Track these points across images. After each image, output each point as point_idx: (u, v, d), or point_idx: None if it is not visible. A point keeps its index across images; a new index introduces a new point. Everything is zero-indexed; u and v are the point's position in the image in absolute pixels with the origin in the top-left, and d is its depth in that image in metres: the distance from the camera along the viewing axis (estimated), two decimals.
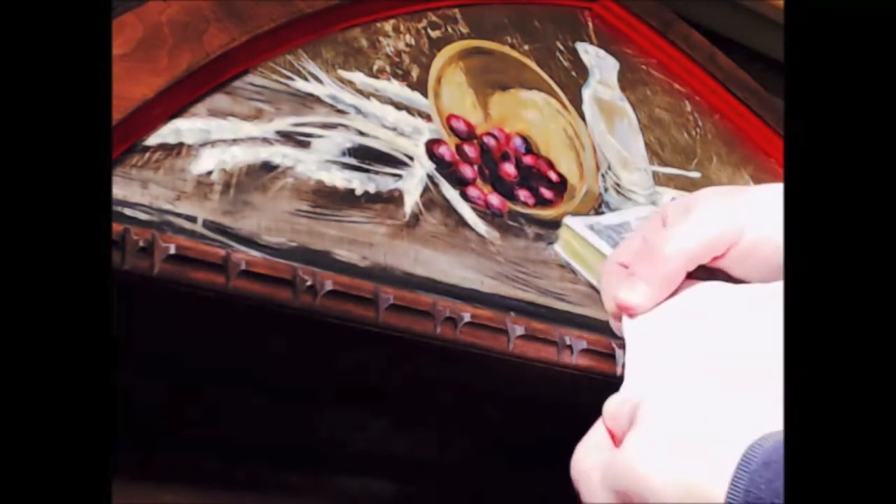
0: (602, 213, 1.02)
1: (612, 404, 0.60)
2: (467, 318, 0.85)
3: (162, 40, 0.80)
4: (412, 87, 0.96)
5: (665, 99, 1.17)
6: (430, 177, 0.92)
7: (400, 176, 0.90)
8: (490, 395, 0.94)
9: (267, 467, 0.97)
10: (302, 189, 0.84)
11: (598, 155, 1.06)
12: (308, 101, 0.88)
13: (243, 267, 0.76)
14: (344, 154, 0.88)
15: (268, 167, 0.83)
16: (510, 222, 0.95)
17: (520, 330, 0.87)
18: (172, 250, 0.73)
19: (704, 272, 0.65)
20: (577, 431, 0.63)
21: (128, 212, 0.76)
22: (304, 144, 0.86)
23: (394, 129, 0.92)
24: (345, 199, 0.86)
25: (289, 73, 0.88)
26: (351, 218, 0.86)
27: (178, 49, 0.81)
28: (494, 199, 0.95)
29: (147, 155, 0.79)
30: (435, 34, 1.01)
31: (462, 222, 0.92)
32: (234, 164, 0.82)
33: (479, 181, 0.95)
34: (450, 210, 0.92)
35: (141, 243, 0.72)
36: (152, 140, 0.79)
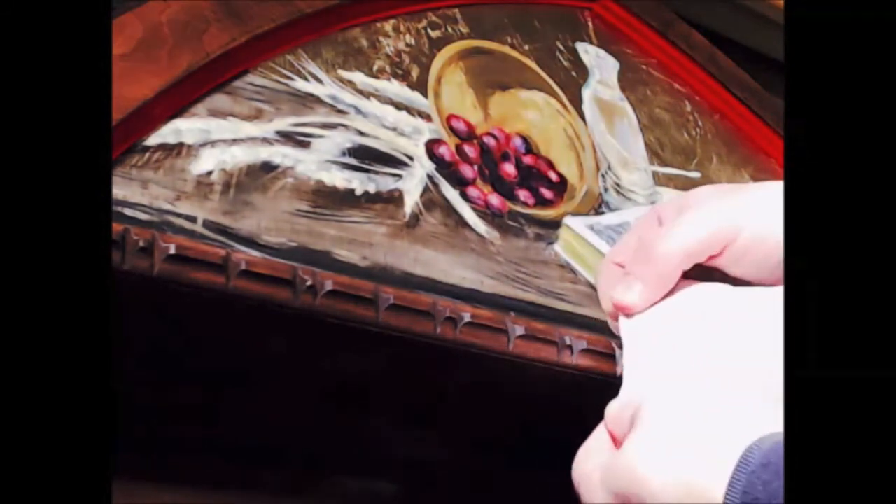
0: (602, 213, 1.02)
1: (613, 408, 0.60)
2: (467, 318, 0.85)
3: (162, 40, 0.80)
4: (412, 87, 0.96)
5: (665, 99, 1.17)
6: (430, 177, 0.92)
7: (400, 176, 0.90)
8: (490, 395, 0.94)
9: (267, 467, 0.97)
10: (302, 189, 0.84)
11: (598, 155, 1.06)
12: (308, 101, 0.88)
13: (243, 267, 0.76)
14: (344, 154, 0.88)
15: (268, 167, 0.83)
16: (510, 222, 0.95)
17: (520, 330, 0.87)
18: (172, 250, 0.73)
19: (700, 271, 0.65)
20: (578, 431, 0.63)
21: (128, 212, 0.76)
22: (304, 144, 0.86)
23: (394, 129, 0.92)
24: (345, 199, 0.86)
25: (289, 73, 0.88)
26: (351, 218, 0.86)
27: (178, 49, 0.81)
28: (494, 199, 0.95)
29: (147, 155, 0.79)
30: (435, 34, 1.01)
31: (462, 222, 0.92)
32: (234, 164, 0.82)
33: (479, 181, 0.95)
34: (450, 210, 0.92)
35: (141, 243, 0.72)
36: (152, 140, 0.79)
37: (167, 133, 0.80)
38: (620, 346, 0.66)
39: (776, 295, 0.62)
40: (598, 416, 0.62)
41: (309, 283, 0.78)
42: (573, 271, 0.96)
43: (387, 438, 1.00)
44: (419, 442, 1.01)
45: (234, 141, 0.83)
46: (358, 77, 0.92)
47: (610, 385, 0.65)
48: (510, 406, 0.95)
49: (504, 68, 1.04)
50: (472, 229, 0.92)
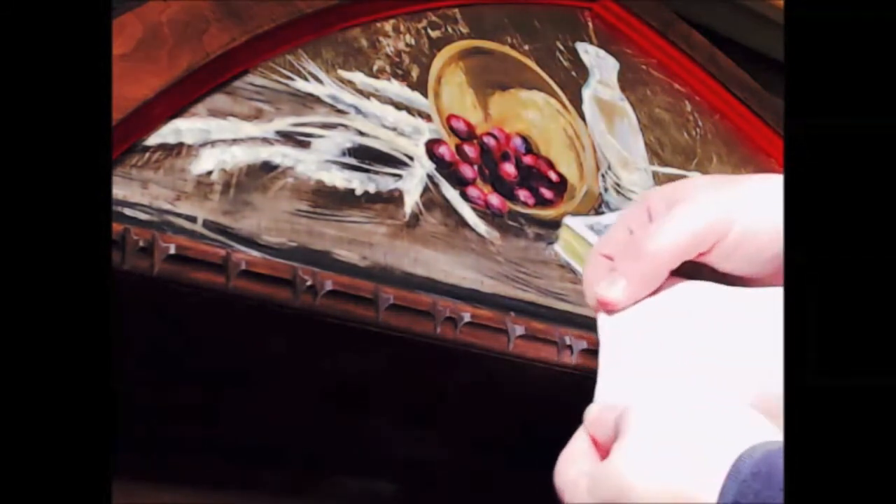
0: (602, 213, 1.02)
1: (593, 411, 0.59)
2: (467, 318, 0.85)
3: (162, 40, 0.80)
4: (412, 87, 0.96)
5: (665, 99, 1.17)
6: (430, 177, 0.92)
7: (400, 176, 0.90)
8: (490, 395, 0.94)
9: (267, 467, 0.97)
10: (302, 189, 0.84)
11: (598, 155, 1.06)
12: (308, 101, 0.88)
13: (243, 267, 0.76)
14: (344, 154, 0.88)
15: (268, 167, 0.83)
16: (510, 222, 0.95)
17: (520, 330, 0.87)
18: (172, 250, 0.73)
19: (689, 267, 0.64)
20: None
21: (128, 212, 0.76)
22: (304, 144, 0.86)
23: (394, 129, 0.92)
24: (345, 199, 0.86)
25: (289, 73, 0.88)
26: (351, 218, 0.86)
27: (178, 49, 0.81)
28: (494, 199, 0.95)
29: (147, 155, 0.78)
30: (435, 34, 1.01)
31: (462, 222, 0.92)
32: (234, 164, 0.82)
33: (479, 181, 0.95)
34: (450, 210, 0.92)
35: (141, 243, 0.72)
36: (152, 140, 0.79)
37: (167, 133, 0.80)
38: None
39: (764, 295, 0.61)
40: None
41: (309, 283, 0.78)
42: (573, 271, 0.96)
43: (387, 438, 1.00)
44: (419, 442, 1.01)
45: (234, 141, 0.83)
46: (358, 77, 0.92)
47: None
48: (510, 406, 0.95)
49: (504, 68, 1.04)
50: (472, 229, 0.92)
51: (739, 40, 1.48)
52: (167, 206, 0.77)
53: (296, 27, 0.89)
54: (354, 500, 1.02)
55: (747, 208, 0.62)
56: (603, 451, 0.58)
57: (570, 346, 0.88)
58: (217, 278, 0.75)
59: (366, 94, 0.92)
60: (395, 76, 0.95)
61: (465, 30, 1.03)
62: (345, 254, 0.84)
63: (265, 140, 0.84)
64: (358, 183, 0.87)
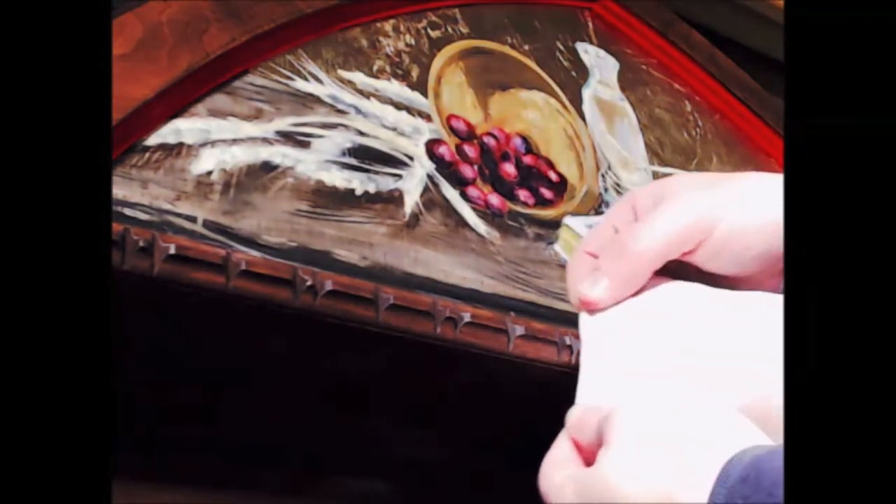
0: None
1: (574, 415, 0.59)
2: (467, 318, 0.85)
3: (162, 40, 0.80)
4: (412, 87, 0.96)
5: (665, 99, 1.17)
6: (430, 177, 0.92)
7: (400, 176, 0.90)
8: (490, 395, 0.94)
9: (267, 467, 0.97)
10: (302, 189, 0.84)
11: (598, 155, 1.06)
12: (308, 101, 0.88)
13: (243, 267, 0.76)
14: (344, 154, 0.88)
15: (268, 167, 0.83)
16: (510, 222, 0.95)
17: (520, 330, 0.87)
18: (172, 250, 0.73)
19: (676, 265, 0.64)
20: None
21: (128, 212, 0.76)
22: (304, 144, 0.86)
23: (394, 129, 0.92)
24: (345, 199, 0.86)
25: (289, 73, 0.88)
26: (351, 218, 0.86)
27: (178, 49, 0.81)
28: (494, 199, 0.95)
29: (147, 155, 0.79)
30: (435, 34, 1.01)
31: (462, 222, 0.92)
32: (234, 164, 0.82)
33: (479, 181, 0.95)
34: (450, 210, 0.92)
35: (141, 243, 0.72)
36: (152, 140, 0.79)
37: (167, 133, 0.80)
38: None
39: (750, 297, 0.61)
40: None
41: (309, 283, 0.78)
42: None
43: (387, 438, 1.00)
44: (419, 442, 1.01)
45: (234, 141, 0.83)
46: (358, 77, 0.92)
47: None
48: (510, 406, 0.95)
49: (504, 68, 1.04)
50: (472, 229, 0.92)
51: (739, 40, 1.48)
52: (167, 206, 0.77)
53: (296, 27, 0.89)
54: (354, 500, 1.02)
55: (732, 206, 0.61)
56: (586, 453, 0.57)
57: (569, 346, 0.88)
58: (217, 278, 0.75)
59: (366, 94, 0.92)
60: (395, 76, 0.95)
61: (465, 30, 1.03)
62: (345, 254, 0.84)
63: (265, 140, 0.84)
64: (358, 183, 0.87)
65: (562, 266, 0.96)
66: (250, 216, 0.81)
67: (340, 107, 0.90)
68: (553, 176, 1.01)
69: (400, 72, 0.96)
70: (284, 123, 0.86)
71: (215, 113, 0.83)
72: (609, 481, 0.54)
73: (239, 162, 0.82)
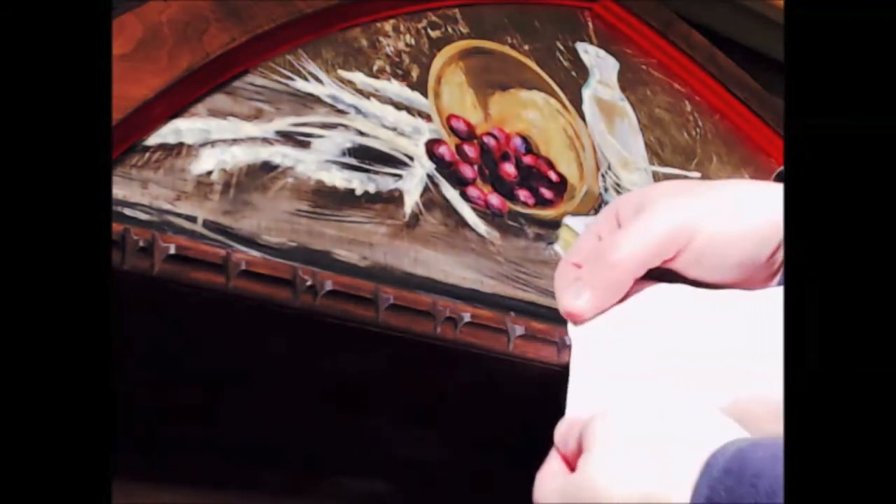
0: None
1: (561, 428, 0.59)
2: (467, 318, 0.85)
3: (162, 40, 0.80)
4: (412, 87, 0.96)
5: (665, 99, 1.17)
6: (430, 177, 0.92)
7: (400, 176, 0.90)
8: (490, 395, 0.94)
9: (267, 467, 0.97)
10: (302, 189, 0.84)
11: (598, 155, 1.06)
12: (308, 101, 0.88)
13: (243, 267, 0.76)
14: (344, 154, 0.88)
15: (268, 167, 0.83)
16: (510, 222, 0.95)
17: (520, 330, 0.87)
18: (172, 250, 0.73)
19: (662, 270, 0.64)
20: None
21: (128, 212, 0.76)
22: (304, 144, 0.86)
23: (394, 129, 0.92)
24: (345, 199, 0.86)
25: (289, 73, 0.88)
26: (351, 218, 0.86)
27: (178, 49, 0.81)
28: (494, 199, 0.95)
29: (147, 155, 0.79)
30: (435, 34, 1.01)
31: (462, 222, 0.92)
32: (234, 164, 0.82)
33: (479, 181, 0.95)
34: (450, 210, 0.92)
35: (141, 243, 0.72)
36: (152, 140, 0.79)
37: (167, 133, 0.80)
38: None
39: (734, 296, 0.61)
40: None
41: (309, 283, 0.78)
42: None
43: (387, 438, 1.00)
44: (419, 442, 1.01)
45: (234, 141, 0.83)
46: (358, 77, 0.92)
47: None
48: (510, 406, 0.95)
49: (504, 68, 1.04)
50: (472, 229, 0.92)
51: (739, 40, 1.48)
52: (167, 206, 0.77)
53: (296, 27, 0.89)
54: (354, 500, 1.02)
55: (713, 215, 0.61)
56: (572, 465, 0.57)
57: (569, 346, 0.88)
58: (217, 278, 0.75)
59: (366, 94, 0.92)
60: (395, 76, 0.95)
61: (465, 30, 1.03)
62: (345, 254, 0.84)
63: (265, 140, 0.84)
64: (358, 183, 0.87)
65: None
66: (250, 216, 0.81)
67: (340, 107, 0.90)
68: (553, 176, 1.01)
69: (400, 72, 0.96)
70: (284, 123, 0.86)
71: (215, 113, 0.83)
72: (590, 484, 0.54)
73: (239, 162, 0.82)
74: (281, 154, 0.84)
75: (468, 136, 0.97)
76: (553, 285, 0.65)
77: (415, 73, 0.97)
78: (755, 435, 0.53)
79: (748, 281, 0.62)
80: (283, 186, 0.83)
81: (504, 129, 1.00)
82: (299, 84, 0.89)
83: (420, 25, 1.00)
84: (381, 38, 0.96)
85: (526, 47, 1.07)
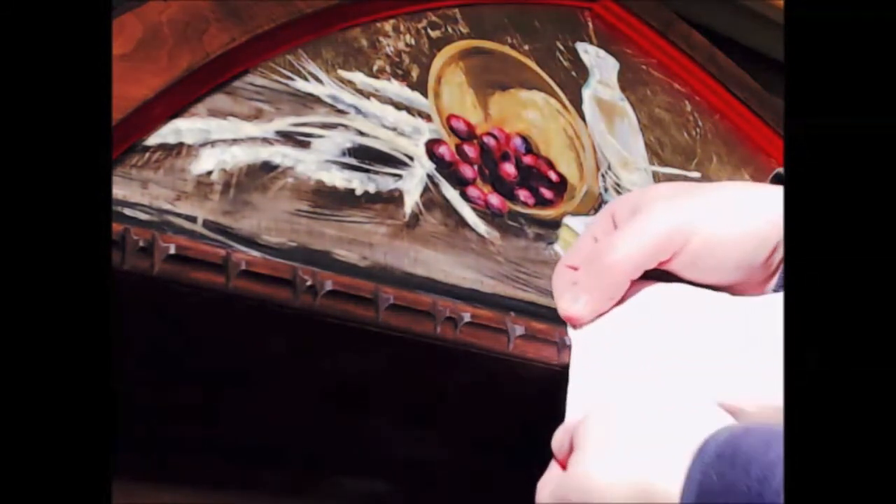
0: None
1: (556, 434, 0.59)
2: (467, 318, 0.85)
3: (162, 40, 0.80)
4: (412, 87, 0.96)
5: (665, 99, 1.17)
6: (430, 177, 0.92)
7: (400, 176, 0.90)
8: (490, 395, 0.94)
9: (267, 467, 0.97)
10: (302, 189, 0.84)
11: (598, 155, 1.06)
12: (308, 101, 0.88)
13: (243, 267, 0.76)
14: (344, 154, 0.88)
15: (268, 167, 0.83)
16: (510, 222, 0.95)
17: (520, 330, 0.87)
18: (172, 250, 0.73)
19: (657, 272, 0.63)
20: None
21: (128, 212, 0.76)
22: (304, 144, 0.86)
23: (394, 129, 0.92)
24: (345, 199, 0.86)
25: (289, 73, 0.88)
26: (351, 218, 0.86)
27: (178, 49, 0.81)
28: (494, 199, 0.95)
29: (147, 155, 0.79)
30: (435, 34, 1.00)
31: (462, 222, 0.92)
32: (234, 164, 0.82)
33: (479, 181, 0.95)
34: (450, 210, 0.92)
35: (141, 243, 0.72)
36: (152, 140, 0.79)
37: (167, 133, 0.80)
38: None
39: (725, 297, 0.61)
40: None
41: (309, 283, 0.78)
42: None
43: (387, 438, 1.00)
44: (419, 442, 1.01)
45: (234, 141, 0.83)
46: (358, 77, 0.92)
47: None
48: (510, 406, 0.95)
49: (504, 68, 1.04)
50: (472, 229, 0.92)
51: (739, 40, 1.48)
52: (167, 206, 0.77)
53: (296, 27, 0.89)
54: (354, 500, 1.02)
55: (709, 217, 0.61)
56: (566, 467, 0.58)
57: (570, 346, 0.88)
58: (217, 278, 0.75)
59: (366, 94, 0.92)
60: (395, 76, 0.95)
61: (465, 30, 1.03)
62: (345, 254, 0.84)
63: (265, 140, 0.84)
64: (358, 183, 0.87)
65: None
66: (250, 216, 0.81)
67: (340, 107, 0.90)
68: (553, 176, 1.01)
69: (400, 72, 0.96)
70: (284, 123, 0.86)
71: (215, 113, 0.83)
72: (581, 480, 0.55)
73: (239, 162, 0.82)
74: (281, 154, 0.84)
75: (468, 136, 0.97)
76: (548, 284, 0.65)
77: (415, 73, 0.97)
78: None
79: (745, 283, 0.62)
80: (283, 186, 0.83)
81: (504, 129, 1.00)
82: (299, 84, 0.89)
83: (420, 25, 1.00)
84: (381, 38, 0.96)
85: (526, 47, 1.07)
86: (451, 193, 0.92)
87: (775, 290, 0.62)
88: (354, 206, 0.86)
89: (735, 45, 1.42)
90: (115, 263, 0.70)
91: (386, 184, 0.89)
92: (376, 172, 0.89)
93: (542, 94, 1.06)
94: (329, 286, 0.79)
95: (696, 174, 1.14)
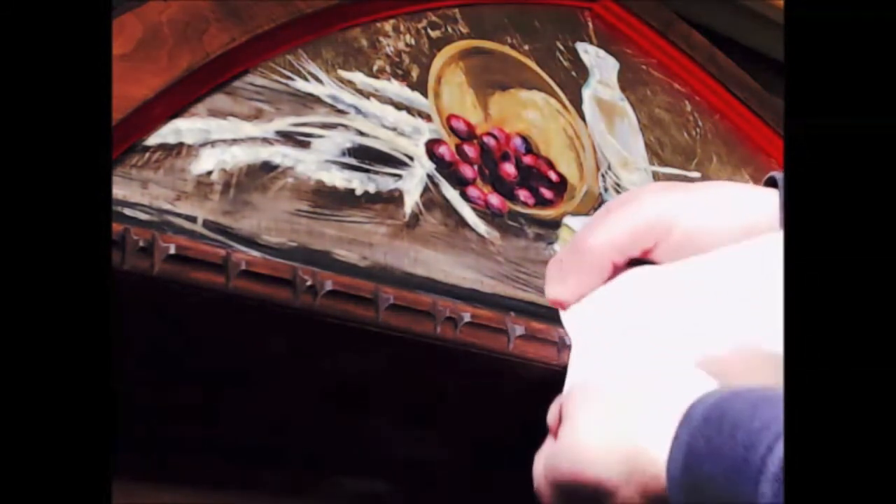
0: None
1: (551, 407, 0.60)
2: (467, 318, 0.85)
3: (162, 40, 0.80)
4: (412, 87, 0.96)
5: (665, 99, 1.17)
6: (430, 177, 0.92)
7: (400, 176, 0.90)
8: (490, 395, 0.94)
9: (267, 467, 0.97)
10: (302, 189, 0.84)
11: (598, 155, 1.06)
12: (308, 101, 0.88)
13: (243, 267, 0.76)
14: (344, 154, 0.88)
15: (268, 167, 0.83)
16: (510, 222, 0.95)
17: (520, 330, 0.87)
18: (172, 250, 0.73)
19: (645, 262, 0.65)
20: None
21: (128, 212, 0.76)
22: (304, 144, 0.86)
23: (394, 129, 0.92)
24: (345, 199, 0.86)
25: (289, 73, 0.88)
26: (351, 218, 0.86)
27: (178, 49, 0.81)
28: (494, 199, 0.95)
29: (147, 155, 0.79)
30: (435, 34, 1.01)
31: (462, 222, 0.92)
32: (234, 164, 0.82)
33: (479, 181, 0.95)
34: (450, 210, 0.92)
35: (141, 243, 0.72)
36: (152, 140, 0.79)
37: (167, 133, 0.80)
38: None
39: (706, 263, 0.62)
40: None
41: (309, 283, 0.78)
42: None
43: (387, 438, 1.00)
44: (419, 442, 1.01)
45: (234, 141, 0.83)
46: (358, 77, 0.92)
47: None
48: (510, 406, 0.95)
49: (504, 68, 1.04)
50: (472, 229, 0.92)
51: (739, 40, 1.48)
52: (167, 206, 0.77)
53: (296, 27, 0.89)
54: (354, 500, 1.02)
55: (692, 209, 0.62)
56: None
57: (569, 346, 0.88)
58: (217, 278, 0.75)
59: (366, 94, 0.92)
60: (395, 76, 0.95)
61: (465, 30, 1.03)
62: (345, 254, 0.84)
63: (265, 140, 0.84)
64: (358, 183, 0.87)
65: None
66: (250, 216, 0.81)
67: (340, 107, 0.90)
68: (553, 176, 1.01)
69: (400, 72, 0.96)
70: (284, 123, 0.86)
71: (215, 113, 0.83)
72: (570, 448, 0.55)
73: (239, 162, 0.82)
74: (281, 154, 0.84)
75: (468, 136, 0.97)
76: None
77: (415, 73, 0.97)
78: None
79: None
80: (283, 186, 0.83)
81: (504, 129, 1.00)
82: (299, 84, 0.89)
83: (420, 25, 1.00)
84: (381, 38, 0.96)
85: (526, 47, 1.07)
86: (451, 193, 0.92)
87: None
88: (354, 206, 0.86)
89: (735, 45, 1.42)
90: (115, 263, 0.71)
91: (386, 184, 0.89)
92: (376, 172, 0.89)
93: (542, 94, 1.06)
94: (329, 286, 0.79)
95: (696, 174, 1.14)
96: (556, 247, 0.97)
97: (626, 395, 0.55)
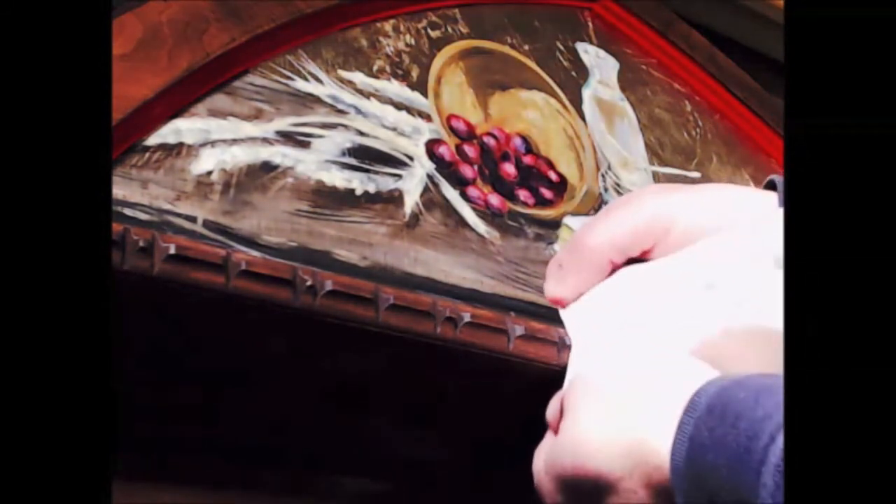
0: None
1: (550, 403, 0.61)
2: (467, 318, 0.85)
3: (162, 40, 0.80)
4: (412, 87, 0.96)
5: (665, 99, 1.17)
6: (430, 177, 0.92)
7: (400, 176, 0.90)
8: (490, 395, 0.94)
9: (267, 467, 0.97)
10: (302, 189, 0.84)
11: (598, 155, 1.06)
12: (308, 101, 0.88)
13: (243, 267, 0.76)
14: (344, 154, 0.88)
15: (268, 167, 0.83)
16: (510, 222, 0.95)
17: (520, 330, 0.87)
18: (172, 250, 0.73)
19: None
20: None
21: (128, 212, 0.76)
22: (304, 144, 0.86)
23: (394, 129, 0.92)
24: (345, 199, 0.86)
25: (289, 73, 0.88)
26: (351, 218, 0.86)
27: (178, 49, 0.81)
28: (494, 199, 0.95)
29: (147, 155, 0.79)
30: (435, 34, 1.01)
31: (462, 222, 0.92)
32: (234, 164, 0.82)
33: (479, 181, 0.95)
34: (450, 210, 0.92)
35: (141, 243, 0.72)
36: (152, 140, 0.79)
37: (167, 133, 0.80)
38: None
39: (695, 258, 0.62)
40: None
41: (309, 283, 0.78)
42: None
43: (387, 438, 1.00)
44: (419, 442, 1.01)
45: (234, 141, 0.83)
46: (358, 77, 0.92)
47: None
48: (510, 406, 0.95)
49: (504, 68, 1.04)
50: (472, 229, 0.92)
51: (739, 40, 1.48)
52: (167, 206, 0.77)
53: (296, 27, 0.89)
54: (354, 500, 1.02)
55: (691, 210, 0.63)
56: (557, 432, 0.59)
57: (570, 346, 0.88)
58: (217, 278, 0.75)
59: (366, 94, 0.92)
60: (395, 76, 0.95)
61: (465, 30, 1.03)
62: (345, 254, 0.84)
63: (265, 140, 0.84)
64: (358, 183, 0.87)
65: None
66: (250, 216, 0.81)
67: (340, 107, 0.90)
68: (553, 176, 1.01)
69: (400, 72, 0.96)
70: (284, 123, 0.86)
71: (215, 113, 0.83)
72: (571, 442, 0.55)
73: (239, 162, 0.82)
74: (281, 154, 0.84)
75: (468, 136, 0.97)
76: None
77: (415, 73, 0.97)
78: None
79: None
80: (283, 186, 0.83)
81: (504, 129, 1.00)
82: (299, 84, 0.89)
83: (420, 25, 1.00)
84: (381, 38, 0.96)
85: (526, 47, 1.07)
86: (451, 193, 0.92)
87: None
88: (354, 206, 0.86)
89: (735, 45, 1.42)
90: (115, 263, 0.71)
91: (386, 184, 0.89)
92: (376, 172, 0.89)
93: (542, 94, 1.06)
94: (329, 286, 0.79)
95: (696, 174, 1.14)
96: (556, 247, 0.97)
97: (626, 387, 0.55)
